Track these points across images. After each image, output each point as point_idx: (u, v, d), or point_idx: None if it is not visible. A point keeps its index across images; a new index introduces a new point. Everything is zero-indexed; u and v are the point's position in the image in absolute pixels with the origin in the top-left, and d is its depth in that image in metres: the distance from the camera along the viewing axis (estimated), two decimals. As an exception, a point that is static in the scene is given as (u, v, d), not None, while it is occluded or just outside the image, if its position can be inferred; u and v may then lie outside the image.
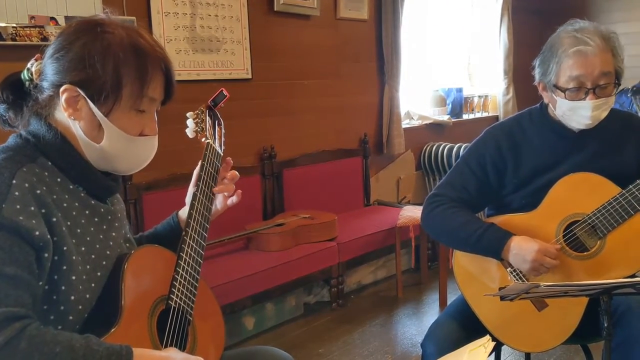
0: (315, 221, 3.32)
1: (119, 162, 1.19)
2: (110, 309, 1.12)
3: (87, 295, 1.11)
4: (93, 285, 1.13)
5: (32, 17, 2.57)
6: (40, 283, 1.05)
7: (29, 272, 1.01)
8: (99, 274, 1.15)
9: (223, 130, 1.49)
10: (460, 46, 5.28)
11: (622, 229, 1.65)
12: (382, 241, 3.57)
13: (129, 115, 1.15)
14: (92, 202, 1.19)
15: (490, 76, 5.33)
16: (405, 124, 4.50)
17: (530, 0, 5.58)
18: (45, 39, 2.57)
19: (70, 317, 1.09)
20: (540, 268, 1.63)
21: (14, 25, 2.52)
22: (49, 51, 1.13)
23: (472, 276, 1.77)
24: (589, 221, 1.67)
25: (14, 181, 1.03)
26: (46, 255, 1.04)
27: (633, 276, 1.64)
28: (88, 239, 1.15)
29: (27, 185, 1.05)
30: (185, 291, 1.23)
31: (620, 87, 1.72)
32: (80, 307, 1.10)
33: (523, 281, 1.68)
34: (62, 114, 1.13)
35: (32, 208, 1.03)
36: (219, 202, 1.39)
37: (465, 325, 1.69)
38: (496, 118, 5.23)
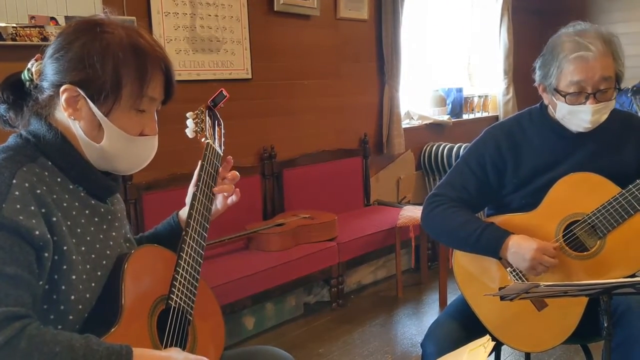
0: (315, 221, 3.32)
1: (119, 162, 1.19)
2: (110, 309, 1.12)
3: (87, 295, 1.11)
4: (93, 284, 1.13)
5: (32, 17, 2.57)
6: (41, 283, 1.05)
7: (29, 272, 1.01)
8: (99, 273, 1.15)
9: (223, 131, 1.49)
10: (460, 46, 5.28)
11: (622, 229, 1.65)
12: (382, 241, 3.57)
13: (129, 115, 1.15)
14: (92, 202, 1.19)
15: (490, 76, 5.33)
16: (405, 124, 4.50)
17: (530, 0, 5.58)
18: (45, 39, 2.57)
19: (70, 317, 1.09)
20: (539, 267, 1.63)
21: (14, 25, 2.52)
22: (49, 51, 1.13)
23: (472, 276, 1.77)
24: (589, 221, 1.67)
25: (14, 181, 1.03)
26: (46, 254, 1.04)
27: (633, 276, 1.64)
28: (88, 238, 1.15)
29: (27, 185, 1.05)
30: (185, 291, 1.23)
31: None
32: (80, 306, 1.10)
33: (523, 281, 1.68)
34: (62, 114, 1.14)
35: (32, 208, 1.03)
36: (219, 202, 1.39)
37: (465, 325, 1.69)
38: (496, 118, 5.23)
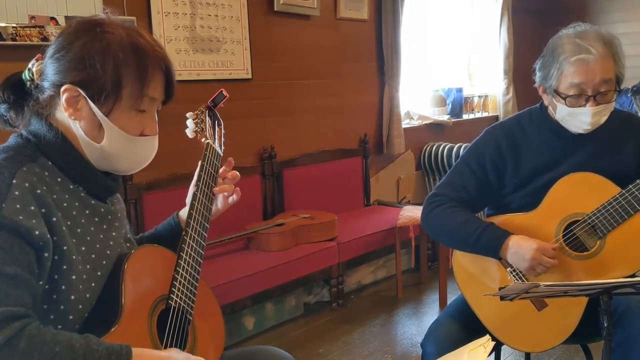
0: (315, 221, 3.32)
1: (119, 162, 1.19)
2: (110, 309, 1.12)
3: (87, 295, 1.11)
4: (93, 284, 1.13)
5: (32, 17, 2.57)
6: (41, 283, 1.05)
7: (29, 272, 1.01)
8: (99, 273, 1.15)
9: (223, 131, 1.49)
10: (460, 46, 5.28)
11: (622, 229, 1.65)
12: (382, 241, 3.57)
13: (129, 115, 1.15)
14: (93, 202, 1.19)
15: (490, 76, 5.33)
16: (405, 124, 4.50)
17: (530, 0, 5.58)
18: (45, 39, 2.57)
19: (71, 317, 1.09)
20: (539, 267, 1.63)
21: (14, 25, 2.52)
22: (50, 51, 1.14)
23: (472, 276, 1.77)
24: (589, 221, 1.67)
25: (14, 181, 1.04)
26: (46, 254, 1.04)
27: (633, 276, 1.64)
28: (88, 238, 1.15)
29: (27, 184, 1.05)
30: (185, 291, 1.23)
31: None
32: (80, 306, 1.10)
33: (523, 281, 1.68)
34: (62, 114, 1.14)
35: (32, 208, 1.03)
36: (219, 202, 1.39)
37: (465, 325, 1.69)
38: (496, 118, 5.23)
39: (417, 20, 4.74)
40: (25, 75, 1.16)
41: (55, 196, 1.09)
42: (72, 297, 1.08)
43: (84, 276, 1.11)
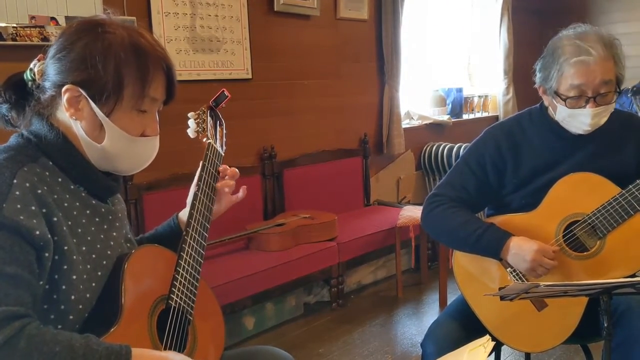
0: (315, 221, 3.32)
1: (120, 162, 1.19)
2: (110, 309, 1.12)
3: (88, 295, 1.11)
4: (93, 284, 1.13)
5: (32, 17, 2.57)
6: (41, 283, 1.05)
7: (29, 272, 1.02)
8: (99, 273, 1.15)
9: (224, 131, 1.49)
10: (460, 46, 5.28)
11: (622, 229, 1.65)
12: (382, 241, 3.57)
13: (130, 115, 1.15)
14: (93, 202, 1.19)
15: (490, 76, 5.34)
16: (405, 124, 4.50)
17: (530, 0, 5.58)
18: (45, 39, 2.57)
19: (71, 317, 1.09)
20: (539, 268, 1.63)
21: (14, 25, 2.52)
22: (51, 51, 1.14)
23: (472, 276, 1.77)
24: (589, 221, 1.67)
25: (14, 181, 1.04)
26: (47, 254, 1.04)
27: (633, 276, 1.64)
28: (89, 238, 1.15)
29: (28, 185, 1.05)
30: (185, 291, 1.23)
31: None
32: (80, 306, 1.10)
33: (523, 281, 1.68)
34: (63, 114, 1.14)
35: (33, 208, 1.03)
36: (223, 200, 1.40)
37: (465, 325, 1.69)
38: (496, 118, 5.23)
39: (417, 20, 4.74)
40: (27, 75, 1.16)
41: (56, 196, 1.09)
42: (73, 297, 1.08)
43: (85, 276, 1.11)
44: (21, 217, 1.01)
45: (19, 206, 1.02)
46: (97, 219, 1.19)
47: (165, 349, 1.17)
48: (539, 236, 1.67)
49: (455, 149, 4.31)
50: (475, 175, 1.79)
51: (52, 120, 1.15)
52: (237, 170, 1.42)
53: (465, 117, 5.06)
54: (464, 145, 4.26)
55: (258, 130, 3.54)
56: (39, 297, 1.05)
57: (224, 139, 1.47)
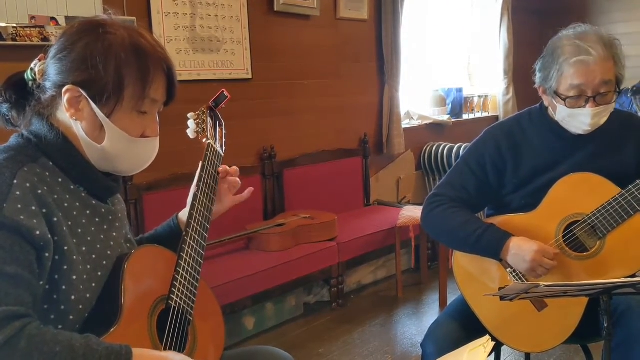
0: (315, 221, 3.32)
1: (120, 163, 1.19)
2: (110, 309, 1.12)
3: (88, 295, 1.11)
4: (94, 285, 1.13)
5: (32, 17, 2.57)
6: (41, 283, 1.05)
7: (29, 272, 1.02)
8: (99, 273, 1.15)
9: (224, 131, 1.50)
10: (460, 46, 5.28)
11: (621, 229, 1.65)
12: (382, 241, 3.57)
13: (130, 116, 1.15)
14: (93, 202, 1.19)
15: (490, 76, 5.34)
16: (405, 124, 4.50)
17: (530, 0, 5.58)
18: (45, 39, 2.57)
19: (71, 317, 1.09)
20: (539, 269, 1.63)
21: (14, 25, 2.52)
22: (52, 51, 1.14)
23: (472, 276, 1.77)
24: (589, 221, 1.67)
25: (15, 181, 1.04)
26: (47, 255, 1.05)
27: (633, 276, 1.64)
28: (89, 239, 1.15)
29: (28, 185, 1.05)
30: (185, 291, 1.23)
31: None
32: (80, 306, 1.10)
33: (523, 281, 1.68)
34: (64, 114, 1.14)
35: (33, 208, 1.04)
36: (225, 200, 1.40)
37: (465, 325, 1.69)
38: (496, 118, 5.23)
39: (417, 20, 4.74)
40: (28, 75, 1.16)
41: (56, 196, 1.09)
42: (73, 297, 1.08)
43: (85, 276, 1.11)
44: (22, 217, 1.01)
45: (19, 206, 1.02)
46: (97, 219, 1.19)
47: (165, 349, 1.17)
48: (539, 236, 1.67)
49: (455, 149, 4.31)
50: (475, 176, 1.79)
51: (53, 121, 1.15)
52: (237, 168, 1.43)
53: (465, 117, 5.06)
54: (464, 145, 4.26)
55: (258, 130, 3.54)
56: (39, 297, 1.05)
57: (224, 139, 1.48)
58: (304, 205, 3.66)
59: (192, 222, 1.28)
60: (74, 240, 1.11)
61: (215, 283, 2.69)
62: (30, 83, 1.16)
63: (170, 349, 1.18)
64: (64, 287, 1.08)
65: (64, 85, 1.11)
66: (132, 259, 1.17)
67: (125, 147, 1.17)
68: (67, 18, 2.64)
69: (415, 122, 4.61)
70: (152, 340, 1.16)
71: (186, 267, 1.24)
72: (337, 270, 3.36)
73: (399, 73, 4.21)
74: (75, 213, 1.13)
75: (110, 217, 1.23)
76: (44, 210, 1.06)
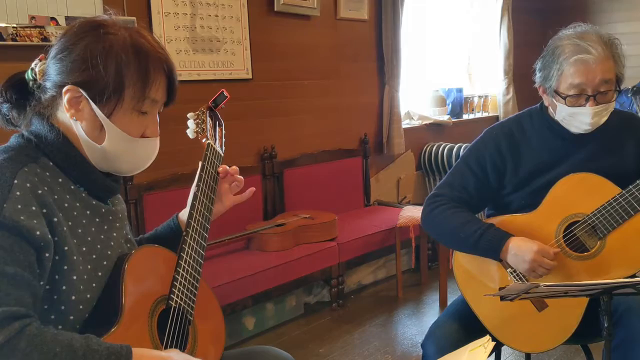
0: (315, 221, 3.32)
1: (120, 163, 1.19)
2: (110, 309, 1.12)
3: (88, 295, 1.11)
4: (94, 285, 1.13)
5: (32, 18, 2.57)
6: (41, 283, 1.05)
7: (29, 272, 1.02)
8: (99, 274, 1.15)
9: (224, 131, 1.50)
10: (460, 46, 5.28)
11: (622, 229, 1.65)
12: (382, 241, 3.57)
13: (130, 116, 1.15)
14: (93, 202, 1.19)
15: (490, 76, 5.34)
16: (405, 124, 4.50)
17: (530, 0, 5.59)
18: (45, 39, 2.57)
19: (71, 317, 1.09)
20: (539, 269, 1.63)
21: (15, 25, 2.52)
22: (53, 52, 1.14)
23: (472, 276, 1.77)
24: (589, 221, 1.67)
25: (15, 181, 1.04)
26: (47, 255, 1.04)
27: (633, 276, 1.64)
28: (89, 239, 1.15)
29: (28, 185, 1.05)
30: (185, 291, 1.23)
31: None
32: (81, 307, 1.10)
33: (523, 281, 1.68)
34: (64, 115, 1.14)
35: (34, 208, 1.03)
36: (226, 200, 1.40)
37: (465, 325, 1.69)
38: (496, 118, 5.23)
39: (417, 20, 4.74)
40: (28, 74, 1.16)
41: (56, 196, 1.09)
42: (73, 297, 1.08)
43: (85, 276, 1.11)
44: (22, 218, 1.01)
45: (19, 206, 1.02)
46: (97, 220, 1.19)
47: (165, 349, 1.17)
48: (539, 237, 1.67)
49: (455, 149, 4.31)
50: (475, 176, 1.79)
51: (53, 121, 1.15)
52: (236, 167, 1.43)
53: (465, 117, 5.06)
54: (464, 145, 4.26)
55: (258, 130, 3.54)
56: (39, 298, 1.05)
57: (223, 139, 1.48)
58: (304, 205, 3.66)
59: (192, 222, 1.28)
60: (74, 241, 1.11)
61: (216, 283, 2.69)
62: (31, 83, 1.16)
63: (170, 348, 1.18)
64: (64, 288, 1.08)
65: (64, 85, 1.11)
66: (132, 259, 1.17)
67: (126, 147, 1.17)
68: (67, 18, 2.64)
69: (416, 122, 4.61)
70: (152, 341, 1.16)
71: (186, 267, 1.24)
72: (337, 270, 3.36)
73: (399, 73, 4.21)
74: (75, 213, 1.13)
75: (111, 217, 1.23)
76: (44, 211, 1.05)
